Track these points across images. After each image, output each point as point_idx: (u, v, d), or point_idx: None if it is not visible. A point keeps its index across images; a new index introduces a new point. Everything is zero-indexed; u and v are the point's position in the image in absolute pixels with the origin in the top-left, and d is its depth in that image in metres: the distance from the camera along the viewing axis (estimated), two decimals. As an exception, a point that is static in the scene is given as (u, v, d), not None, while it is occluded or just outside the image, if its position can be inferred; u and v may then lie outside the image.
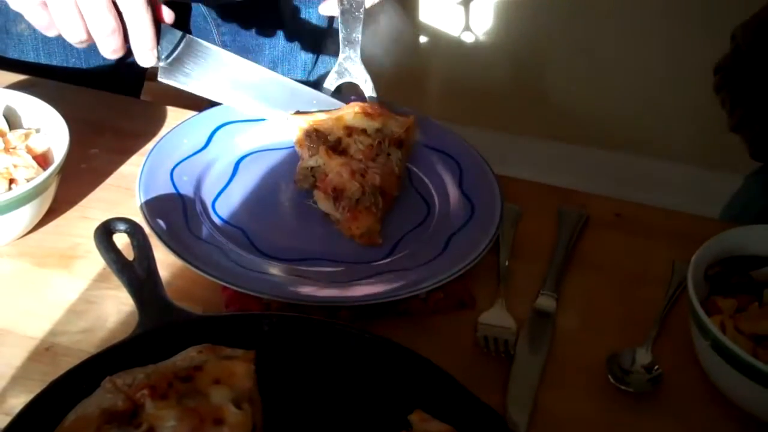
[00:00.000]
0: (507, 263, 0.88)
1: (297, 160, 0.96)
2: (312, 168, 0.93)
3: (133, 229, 0.76)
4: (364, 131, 0.96)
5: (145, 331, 0.69)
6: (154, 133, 1.02)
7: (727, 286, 0.80)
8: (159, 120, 1.05)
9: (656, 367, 0.77)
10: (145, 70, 1.09)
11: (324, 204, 0.91)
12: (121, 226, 0.76)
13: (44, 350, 0.75)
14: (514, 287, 0.86)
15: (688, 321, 0.77)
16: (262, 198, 0.93)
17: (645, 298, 0.86)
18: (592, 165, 2.41)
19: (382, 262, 0.86)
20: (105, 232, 0.76)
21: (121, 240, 0.76)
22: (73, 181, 0.91)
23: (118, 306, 0.80)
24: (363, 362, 0.71)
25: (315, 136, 0.95)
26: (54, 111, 0.89)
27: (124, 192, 0.93)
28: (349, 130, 0.96)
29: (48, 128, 0.89)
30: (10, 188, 0.82)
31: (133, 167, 0.96)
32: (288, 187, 0.95)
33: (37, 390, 0.64)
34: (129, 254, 0.75)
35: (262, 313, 0.76)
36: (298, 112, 0.98)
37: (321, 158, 0.92)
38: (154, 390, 0.62)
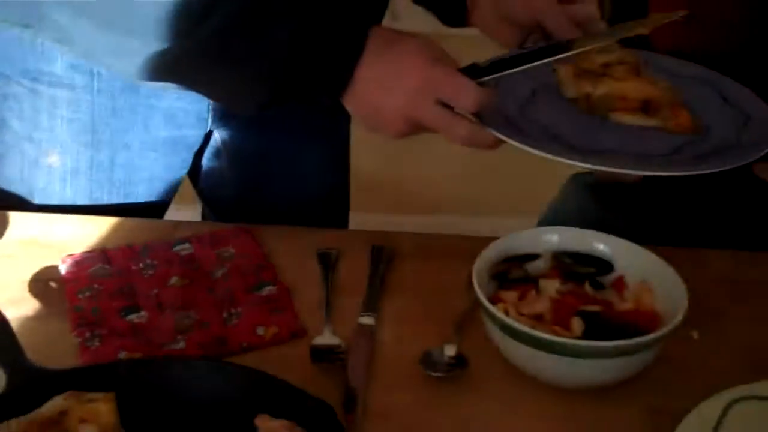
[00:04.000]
0: (330, 298, 1.02)
1: None
2: (606, 93, 0.98)
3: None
4: (619, 62, 1.00)
5: (11, 389, 0.77)
6: None
7: (509, 281, 0.97)
8: None
9: (460, 355, 0.93)
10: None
11: (633, 120, 0.97)
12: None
13: None
14: (339, 315, 1.00)
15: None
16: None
17: (451, 305, 1.01)
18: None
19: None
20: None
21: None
22: None
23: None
24: (215, 388, 0.81)
25: (584, 72, 1.00)
26: None
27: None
28: (603, 65, 1.01)
29: None
30: None
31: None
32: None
33: None
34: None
35: (116, 361, 0.86)
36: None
37: (606, 85, 0.98)
38: (27, 435, 0.71)
